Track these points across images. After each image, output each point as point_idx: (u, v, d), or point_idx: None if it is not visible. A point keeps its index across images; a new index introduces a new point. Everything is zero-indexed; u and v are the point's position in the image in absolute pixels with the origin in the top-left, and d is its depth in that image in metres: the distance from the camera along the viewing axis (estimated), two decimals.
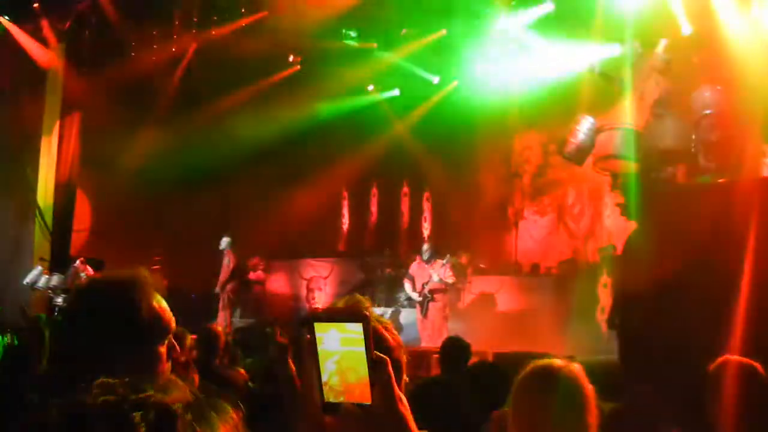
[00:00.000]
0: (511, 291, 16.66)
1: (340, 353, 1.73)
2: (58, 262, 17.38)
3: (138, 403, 1.22)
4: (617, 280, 9.78)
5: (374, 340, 1.78)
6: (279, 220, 20.05)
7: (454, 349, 6.70)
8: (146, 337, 2.30)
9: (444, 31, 18.25)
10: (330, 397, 1.72)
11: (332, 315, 1.75)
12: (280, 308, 18.70)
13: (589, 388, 2.87)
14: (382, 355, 1.72)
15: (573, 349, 13.77)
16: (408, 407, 1.74)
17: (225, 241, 17.65)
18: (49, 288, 16.30)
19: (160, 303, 2.37)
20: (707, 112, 8.86)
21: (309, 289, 19.03)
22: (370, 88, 20.89)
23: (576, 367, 2.93)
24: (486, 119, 20.17)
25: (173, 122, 18.45)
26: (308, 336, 1.73)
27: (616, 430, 4.51)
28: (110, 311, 2.28)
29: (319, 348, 1.73)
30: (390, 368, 1.71)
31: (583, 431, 2.82)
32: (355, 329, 1.71)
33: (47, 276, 16.48)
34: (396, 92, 20.74)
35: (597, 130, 9.75)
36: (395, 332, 2.07)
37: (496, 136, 20.56)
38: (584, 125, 9.93)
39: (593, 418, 2.84)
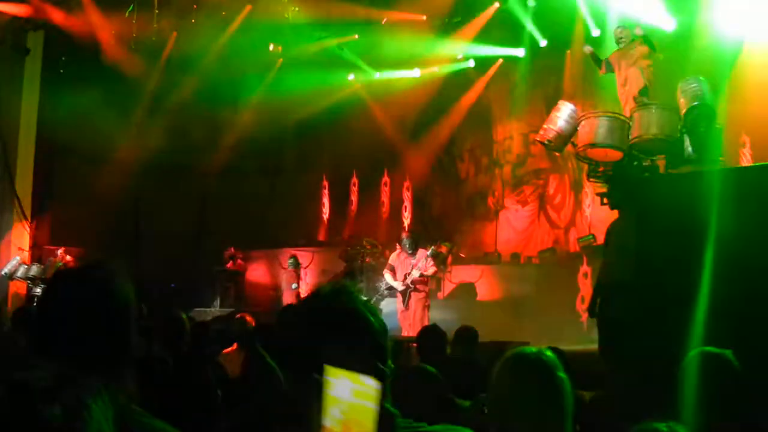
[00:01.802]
0: (491, 280, 16.67)
1: (348, 404, 1.68)
2: (37, 252, 17.29)
3: None
4: (598, 269, 9.76)
5: (360, 320, 1.75)
6: (259, 210, 20.03)
7: (432, 337, 6.69)
8: (119, 324, 2.29)
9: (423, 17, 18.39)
10: None
11: (352, 367, 1.69)
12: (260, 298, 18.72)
13: (563, 376, 2.89)
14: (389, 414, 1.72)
15: (553, 339, 13.82)
16: None
17: (290, 261, 17.53)
18: (28, 278, 16.22)
19: (130, 291, 2.37)
20: (695, 104, 8.85)
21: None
22: (351, 77, 20.87)
23: (549, 355, 2.95)
24: (466, 107, 20.23)
25: (153, 110, 18.38)
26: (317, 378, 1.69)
27: (596, 418, 4.52)
28: (83, 300, 2.27)
29: (328, 393, 1.68)
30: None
31: (557, 418, 2.83)
32: (370, 384, 1.67)
33: (26, 266, 16.40)
34: (377, 75, 20.71)
35: (579, 118, 9.70)
36: (381, 318, 2.05)
37: (476, 124, 20.61)
38: (564, 111, 9.88)
39: (567, 405, 2.85)
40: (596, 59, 12.10)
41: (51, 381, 1.71)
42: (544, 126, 10.02)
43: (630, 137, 9.12)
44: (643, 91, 11.01)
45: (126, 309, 2.32)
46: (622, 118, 9.56)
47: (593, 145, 9.41)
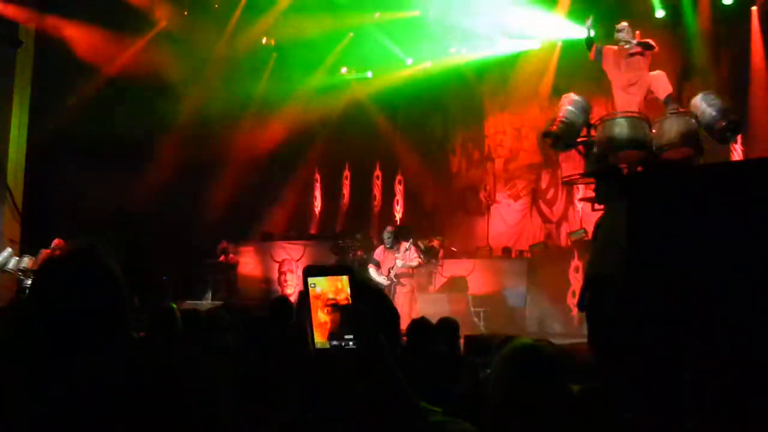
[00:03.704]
0: (482, 274, 16.69)
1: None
2: (29, 243, 17.25)
3: None
4: (588, 263, 9.78)
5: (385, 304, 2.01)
6: (251, 203, 20.03)
7: (421, 331, 6.69)
8: (114, 311, 2.30)
9: (417, 12, 18.37)
10: (320, 342, 1.88)
11: (323, 269, 1.90)
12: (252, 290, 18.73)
13: (564, 369, 2.93)
14: (363, 302, 1.86)
15: (544, 333, 13.87)
16: (388, 348, 1.87)
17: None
18: (20, 270, 16.17)
19: (120, 271, 2.39)
20: (733, 117, 8.93)
21: (281, 272, 19.01)
22: (344, 70, 20.87)
23: (554, 348, 3.00)
24: (459, 102, 20.24)
25: (144, 102, 18.35)
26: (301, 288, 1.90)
27: (585, 411, 4.55)
28: (74, 282, 2.28)
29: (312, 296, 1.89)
30: (371, 314, 1.86)
31: (558, 407, 2.87)
32: (342, 281, 1.87)
33: (17, 258, 16.35)
34: (369, 74, 20.72)
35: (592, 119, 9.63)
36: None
37: (468, 118, 20.62)
38: (577, 105, 9.77)
39: (567, 396, 2.90)
40: (589, 37, 11.66)
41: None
42: (555, 118, 9.87)
43: (659, 142, 9.08)
44: (668, 99, 10.89)
45: (117, 288, 2.33)
46: (641, 118, 9.53)
47: (621, 147, 9.30)
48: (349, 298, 1.87)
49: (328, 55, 20.25)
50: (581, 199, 16.25)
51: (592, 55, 11.48)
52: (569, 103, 9.80)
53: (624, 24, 11.35)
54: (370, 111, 20.72)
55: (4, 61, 17.49)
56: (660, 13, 16.08)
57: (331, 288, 1.87)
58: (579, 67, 16.22)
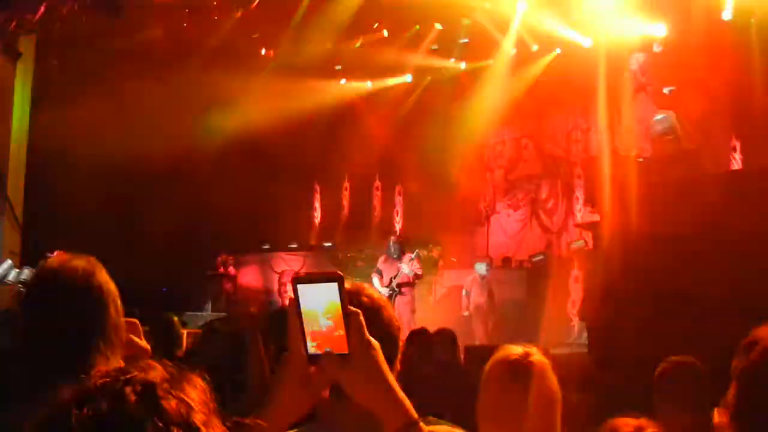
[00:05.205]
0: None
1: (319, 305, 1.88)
2: (29, 255, 17.22)
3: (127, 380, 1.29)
4: (588, 274, 9.79)
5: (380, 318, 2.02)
6: (251, 214, 20.02)
7: (421, 341, 6.70)
8: (105, 320, 2.30)
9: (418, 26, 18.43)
10: (312, 349, 1.86)
11: (311, 277, 1.88)
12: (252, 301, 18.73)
13: (555, 379, 2.88)
14: (354, 308, 1.83)
15: (544, 342, 13.85)
16: (381, 353, 1.84)
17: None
18: (20, 282, 16.13)
19: (111, 283, 2.39)
20: None
21: (281, 283, 19.01)
22: (342, 81, 20.87)
23: (543, 358, 2.94)
24: (458, 111, 20.23)
25: (144, 113, 18.36)
26: (291, 296, 1.86)
27: (584, 420, 4.54)
28: (69, 296, 2.28)
29: (303, 306, 1.87)
30: (362, 320, 1.83)
31: (550, 421, 2.83)
32: (332, 287, 1.84)
33: (17, 270, 16.33)
34: (368, 84, 20.71)
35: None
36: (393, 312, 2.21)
37: (468, 128, 20.62)
38: (670, 120, 9.79)
39: (559, 408, 2.85)
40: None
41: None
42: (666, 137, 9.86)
43: None
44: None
45: (106, 300, 2.33)
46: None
47: None
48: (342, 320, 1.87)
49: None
50: (577, 225, 16.31)
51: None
52: (670, 122, 9.81)
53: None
54: (369, 121, 20.71)
55: (4, 71, 17.49)
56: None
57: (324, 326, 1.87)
58: (574, 78, 16.27)
